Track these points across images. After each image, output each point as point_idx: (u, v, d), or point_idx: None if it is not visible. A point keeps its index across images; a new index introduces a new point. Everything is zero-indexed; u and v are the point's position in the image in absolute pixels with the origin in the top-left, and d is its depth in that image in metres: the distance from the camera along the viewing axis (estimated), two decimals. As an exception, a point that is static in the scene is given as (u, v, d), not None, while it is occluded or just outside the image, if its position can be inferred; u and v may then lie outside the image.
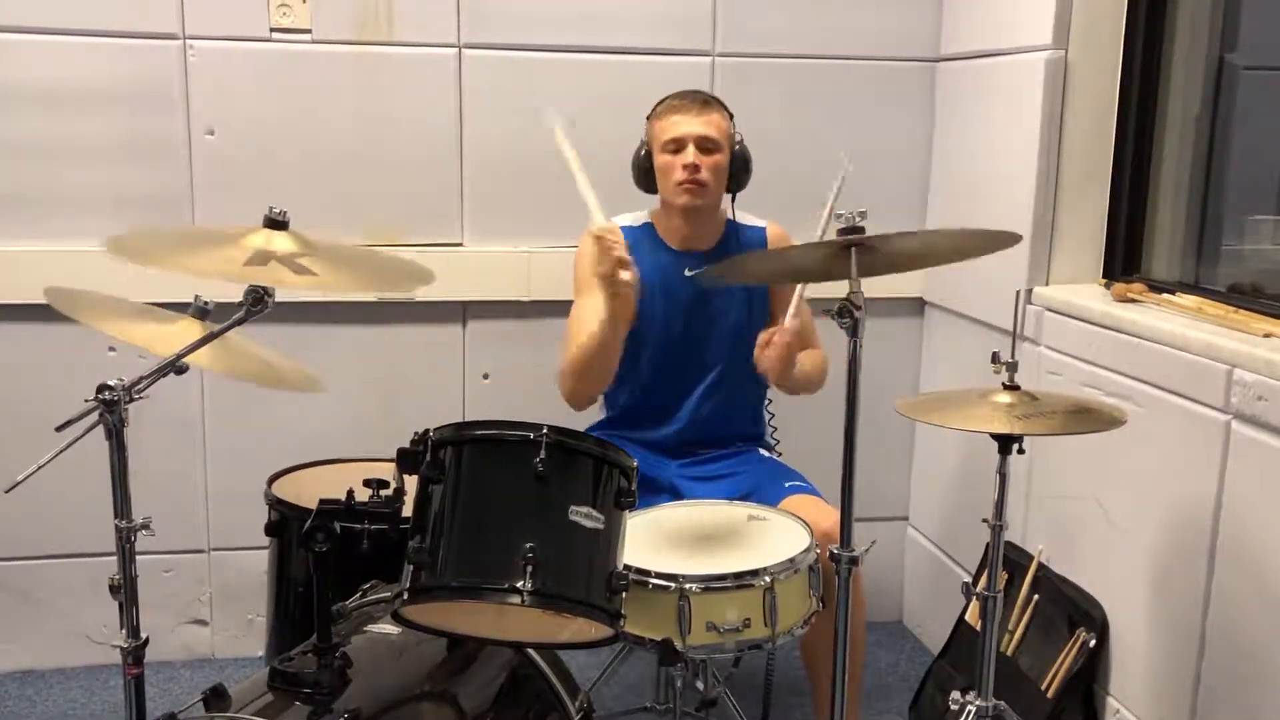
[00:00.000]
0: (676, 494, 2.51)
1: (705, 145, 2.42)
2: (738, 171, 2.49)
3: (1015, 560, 2.74)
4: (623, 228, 2.38)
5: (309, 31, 2.92)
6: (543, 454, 1.71)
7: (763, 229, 2.62)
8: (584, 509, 1.73)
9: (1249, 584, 2.12)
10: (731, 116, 2.51)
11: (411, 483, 1.78)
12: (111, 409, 1.58)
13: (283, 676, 1.76)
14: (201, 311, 1.89)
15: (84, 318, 1.85)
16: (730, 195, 2.54)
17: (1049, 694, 2.51)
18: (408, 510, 1.78)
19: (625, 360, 2.43)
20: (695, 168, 2.41)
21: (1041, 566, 2.68)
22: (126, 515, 1.64)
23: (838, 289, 1.89)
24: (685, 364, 2.56)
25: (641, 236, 2.54)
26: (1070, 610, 2.56)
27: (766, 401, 2.75)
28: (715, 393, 2.57)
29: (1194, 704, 2.26)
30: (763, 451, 2.66)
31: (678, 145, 2.44)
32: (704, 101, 2.47)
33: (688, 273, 2.34)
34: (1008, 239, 1.92)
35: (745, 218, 2.60)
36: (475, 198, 3.08)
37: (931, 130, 3.24)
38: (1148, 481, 2.37)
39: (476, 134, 3.05)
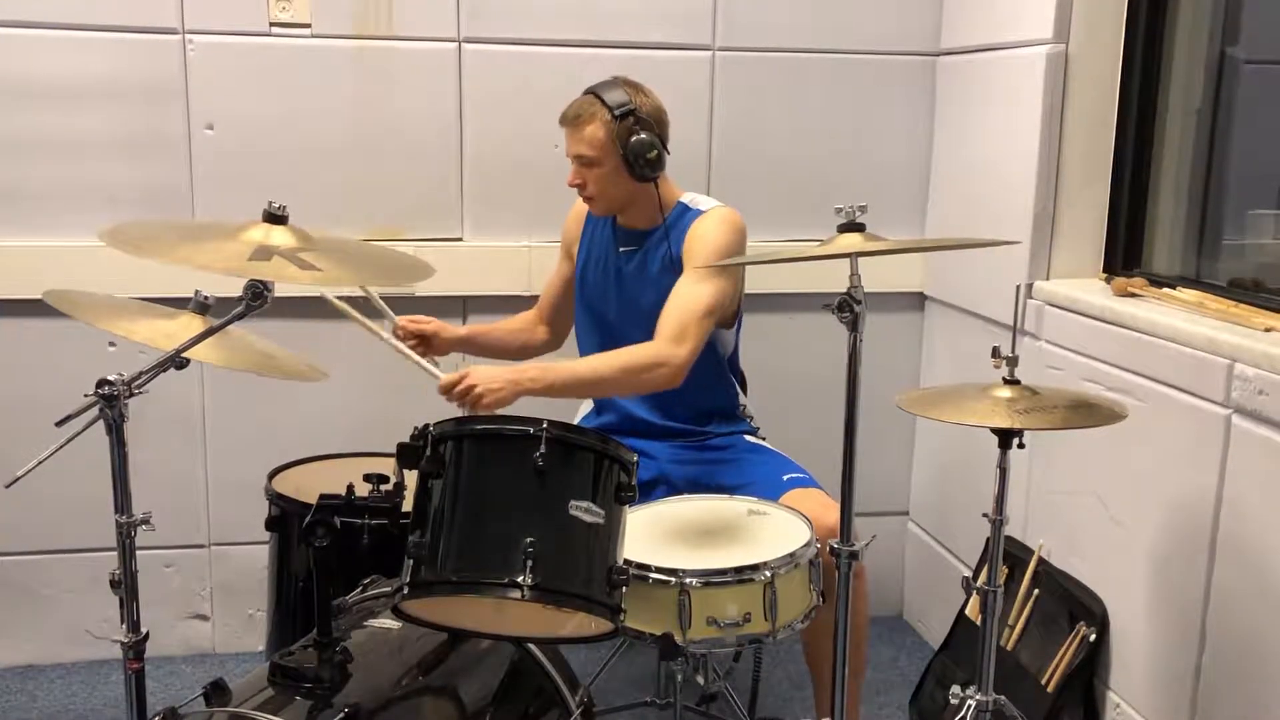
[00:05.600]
0: (671, 485, 2.50)
1: (582, 161, 2.46)
2: (633, 164, 2.42)
3: (1016, 555, 2.74)
4: None
5: (308, 26, 2.92)
6: (543, 449, 1.71)
7: (700, 211, 2.52)
8: (584, 504, 1.73)
9: (1249, 578, 2.12)
10: (625, 116, 2.40)
11: (411, 478, 1.79)
12: (111, 404, 1.58)
13: (283, 671, 1.76)
14: (201, 306, 1.89)
15: (83, 317, 1.85)
16: (648, 182, 2.46)
17: (1049, 688, 2.51)
18: (408, 505, 1.79)
19: (578, 330, 2.66)
20: (580, 185, 2.49)
21: (1042, 561, 2.68)
22: (127, 510, 1.64)
23: (838, 283, 1.88)
24: (616, 338, 2.52)
25: None
26: (1071, 605, 2.56)
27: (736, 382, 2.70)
28: None
29: (1194, 698, 2.26)
30: (749, 438, 2.64)
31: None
32: (575, 117, 2.45)
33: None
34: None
35: (698, 200, 2.54)
36: (475, 192, 3.08)
37: (932, 124, 3.23)
38: (1148, 476, 2.37)
39: (476, 128, 3.04)
